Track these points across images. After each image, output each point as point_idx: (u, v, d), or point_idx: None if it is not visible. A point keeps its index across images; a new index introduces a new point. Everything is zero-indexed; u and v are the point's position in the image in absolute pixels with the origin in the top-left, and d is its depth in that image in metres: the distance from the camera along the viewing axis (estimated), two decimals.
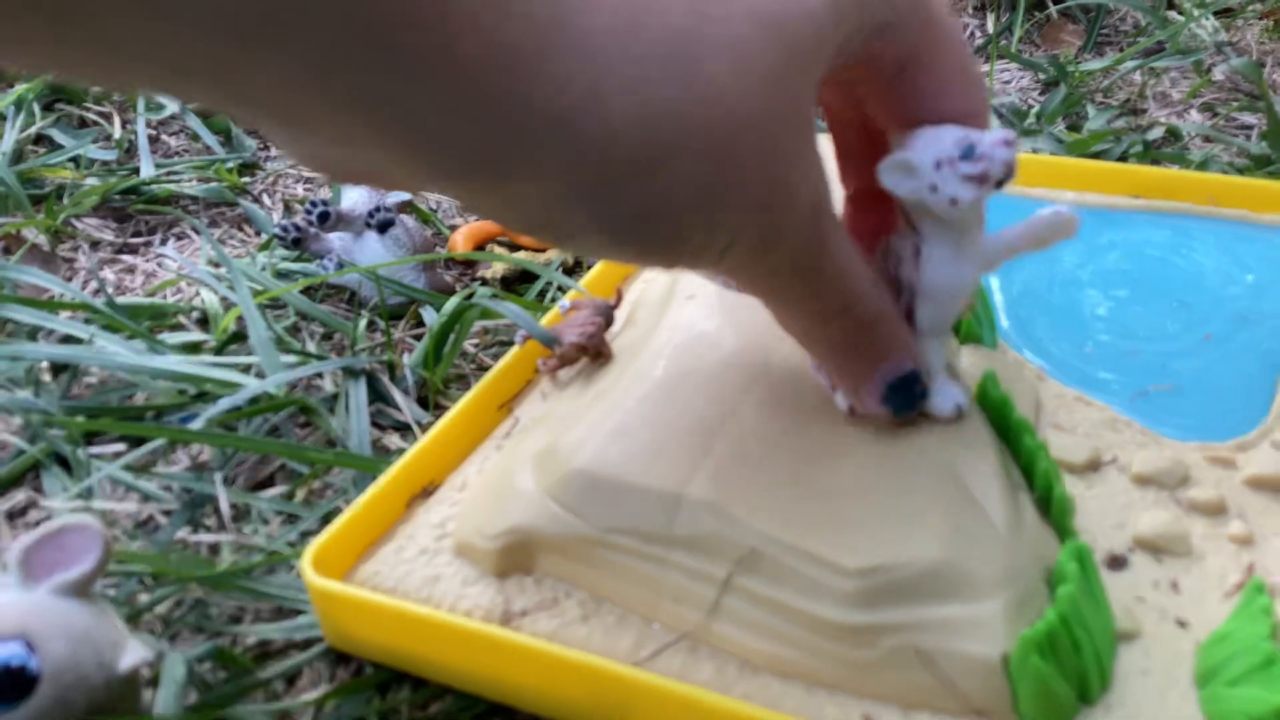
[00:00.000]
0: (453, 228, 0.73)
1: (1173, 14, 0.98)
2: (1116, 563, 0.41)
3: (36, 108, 0.87)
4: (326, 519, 0.48)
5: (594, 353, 0.51)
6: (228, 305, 0.65)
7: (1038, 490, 0.41)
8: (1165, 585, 0.40)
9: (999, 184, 0.36)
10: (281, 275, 0.67)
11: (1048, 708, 0.35)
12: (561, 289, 0.64)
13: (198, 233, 0.73)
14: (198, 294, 0.66)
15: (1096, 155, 0.75)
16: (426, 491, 0.47)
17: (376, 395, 0.56)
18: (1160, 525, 0.42)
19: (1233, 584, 0.40)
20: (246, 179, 0.81)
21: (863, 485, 0.39)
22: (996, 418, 0.44)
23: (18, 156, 0.82)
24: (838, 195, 0.57)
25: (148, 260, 0.72)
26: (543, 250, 0.69)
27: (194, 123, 0.84)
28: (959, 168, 0.36)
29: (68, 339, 0.60)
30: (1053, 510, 0.41)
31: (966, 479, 0.40)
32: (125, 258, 0.72)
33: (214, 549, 0.48)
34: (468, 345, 0.60)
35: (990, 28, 0.99)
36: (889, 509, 0.38)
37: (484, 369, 0.58)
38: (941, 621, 0.35)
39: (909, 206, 0.38)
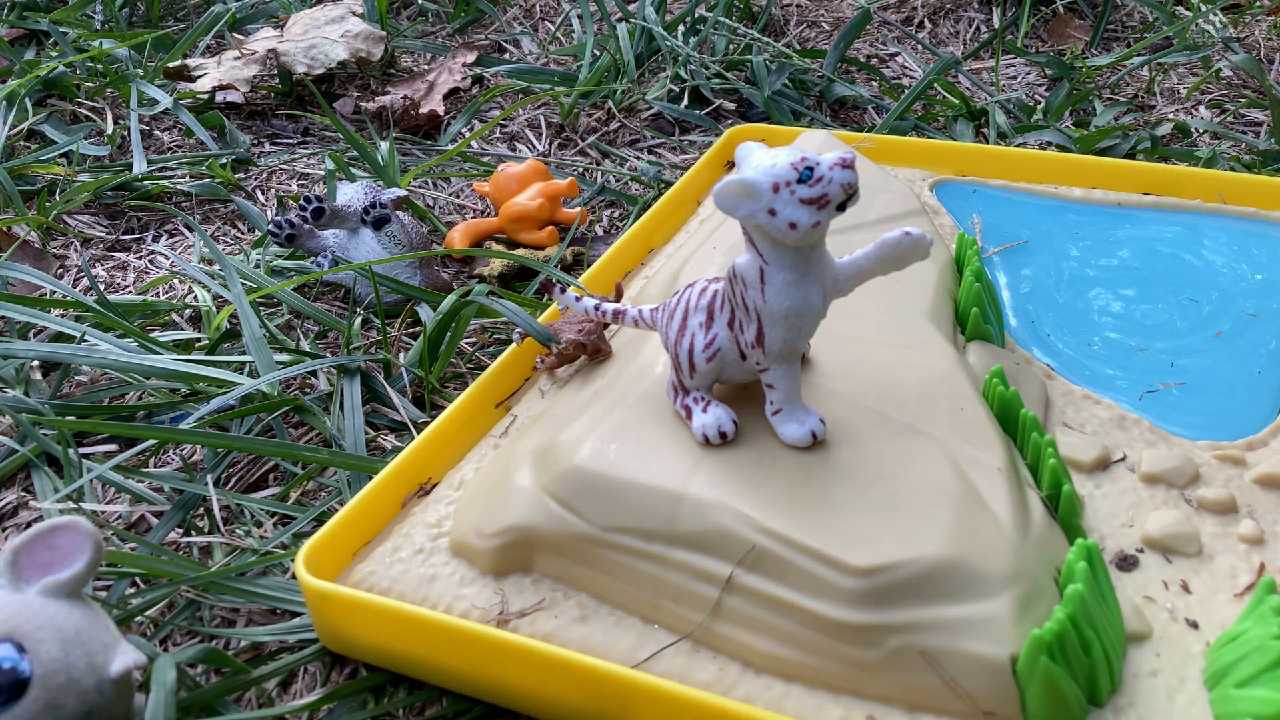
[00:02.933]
0: (449, 224, 0.73)
1: (1180, 9, 0.98)
2: (1126, 562, 0.41)
3: (28, 103, 0.86)
4: (320, 520, 0.47)
5: (593, 350, 0.51)
6: (221, 303, 0.64)
7: (1046, 488, 0.41)
8: (1175, 585, 0.40)
9: (840, 207, 0.35)
10: (275, 272, 0.66)
11: (1056, 709, 0.34)
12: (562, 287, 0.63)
13: (190, 229, 0.73)
14: (190, 291, 0.66)
15: (1104, 151, 0.75)
16: (423, 490, 0.46)
17: (372, 394, 0.55)
18: (1170, 524, 0.41)
19: (1243, 584, 0.40)
20: (240, 175, 0.80)
21: (867, 482, 0.39)
22: (1004, 415, 0.43)
23: (9, 152, 0.81)
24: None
25: (140, 257, 0.71)
26: (541, 248, 0.68)
27: (187, 118, 0.83)
28: (797, 191, 0.35)
29: (59, 337, 0.59)
30: (1061, 509, 0.40)
31: (973, 476, 0.39)
32: (117, 255, 0.71)
33: (206, 550, 0.47)
34: (465, 344, 0.59)
35: (996, 22, 0.98)
36: (894, 506, 0.38)
37: (481, 368, 0.57)
38: (948, 621, 0.35)
39: (750, 230, 0.37)
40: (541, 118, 0.86)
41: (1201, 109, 0.84)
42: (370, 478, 0.45)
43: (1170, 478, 0.43)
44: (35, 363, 0.58)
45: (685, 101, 0.86)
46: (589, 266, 0.61)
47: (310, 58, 0.90)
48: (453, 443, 0.48)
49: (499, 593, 0.40)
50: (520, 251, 0.68)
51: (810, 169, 0.35)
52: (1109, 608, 0.37)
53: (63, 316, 0.61)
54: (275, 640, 0.43)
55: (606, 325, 0.53)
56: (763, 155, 0.37)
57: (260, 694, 0.41)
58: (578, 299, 0.49)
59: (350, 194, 0.65)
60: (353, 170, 0.77)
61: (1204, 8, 0.93)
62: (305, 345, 0.60)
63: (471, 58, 0.94)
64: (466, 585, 0.41)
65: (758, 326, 0.39)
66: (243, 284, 0.61)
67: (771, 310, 0.38)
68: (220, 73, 0.90)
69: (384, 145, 0.77)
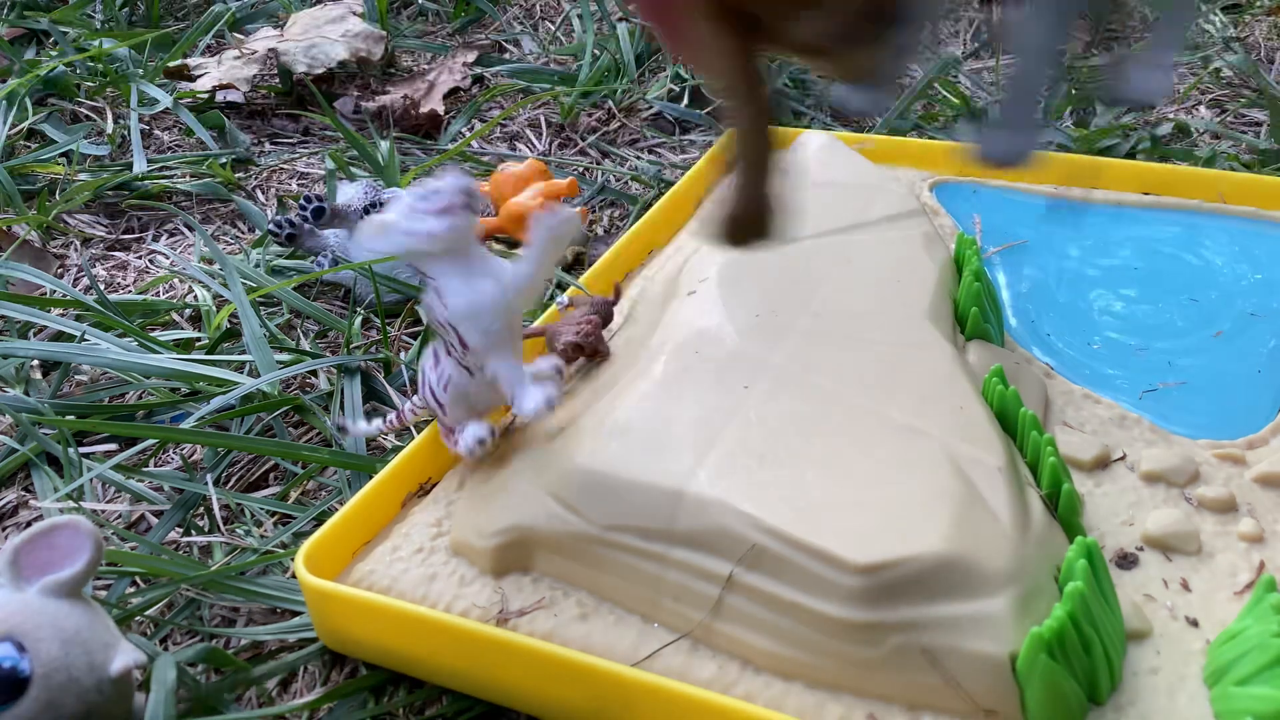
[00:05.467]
0: None
1: None
2: (1126, 560, 0.41)
3: (29, 103, 0.86)
4: (320, 519, 0.47)
5: (590, 352, 0.51)
6: (221, 302, 0.64)
7: (1045, 487, 0.41)
8: (1175, 583, 0.40)
9: (468, 207, 0.40)
10: (275, 272, 0.66)
11: (1057, 708, 0.34)
12: (560, 286, 0.63)
13: (191, 229, 0.73)
14: (190, 291, 0.66)
15: (1104, 151, 0.75)
16: (423, 490, 0.46)
17: (372, 394, 0.55)
18: (1170, 523, 0.41)
19: (1243, 582, 0.40)
20: (240, 174, 0.80)
21: (867, 481, 0.39)
22: (1004, 414, 0.43)
23: (9, 152, 0.81)
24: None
25: (140, 257, 0.71)
26: None
27: (187, 118, 0.83)
28: (421, 208, 0.40)
29: (59, 336, 0.59)
30: (1061, 507, 0.40)
31: (973, 475, 0.39)
32: (117, 254, 0.71)
33: (206, 550, 0.47)
34: None
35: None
36: (894, 505, 0.38)
37: None
38: (948, 619, 0.35)
39: (412, 260, 0.42)
40: (542, 117, 0.86)
41: (1202, 109, 0.84)
42: (370, 477, 0.45)
43: (1170, 476, 0.44)
44: (35, 362, 0.58)
45: (685, 101, 0.86)
46: (589, 266, 0.61)
47: (310, 57, 0.90)
48: None
49: (499, 592, 0.40)
50: (520, 250, 0.68)
51: (429, 192, 0.41)
52: (1109, 606, 0.37)
53: (63, 315, 0.61)
54: (275, 639, 0.43)
55: (605, 325, 0.53)
56: (385, 208, 0.42)
57: (260, 693, 0.41)
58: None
59: (350, 193, 0.65)
60: (353, 170, 0.77)
61: (1204, 7, 0.93)
62: (305, 345, 0.60)
63: (472, 57, 0.94)
64: (466, 584, 0.41)
65: (456, 334, 0.42)
66: (243, 283, 0.61)
67: (455, 312, 0.42)
68: (220, 72, 0.90)
69: (384, 145, 0.77)
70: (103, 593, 0.45)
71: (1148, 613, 0.38)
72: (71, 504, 0.48)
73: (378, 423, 0.48)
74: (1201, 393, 0.48)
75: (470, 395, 0.44)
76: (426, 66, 0.97)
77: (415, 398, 0.47)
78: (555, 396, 0.43)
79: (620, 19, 0.97)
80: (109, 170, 0.80)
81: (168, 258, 0.70)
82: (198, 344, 0.59)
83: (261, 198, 0.78)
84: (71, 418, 0.53)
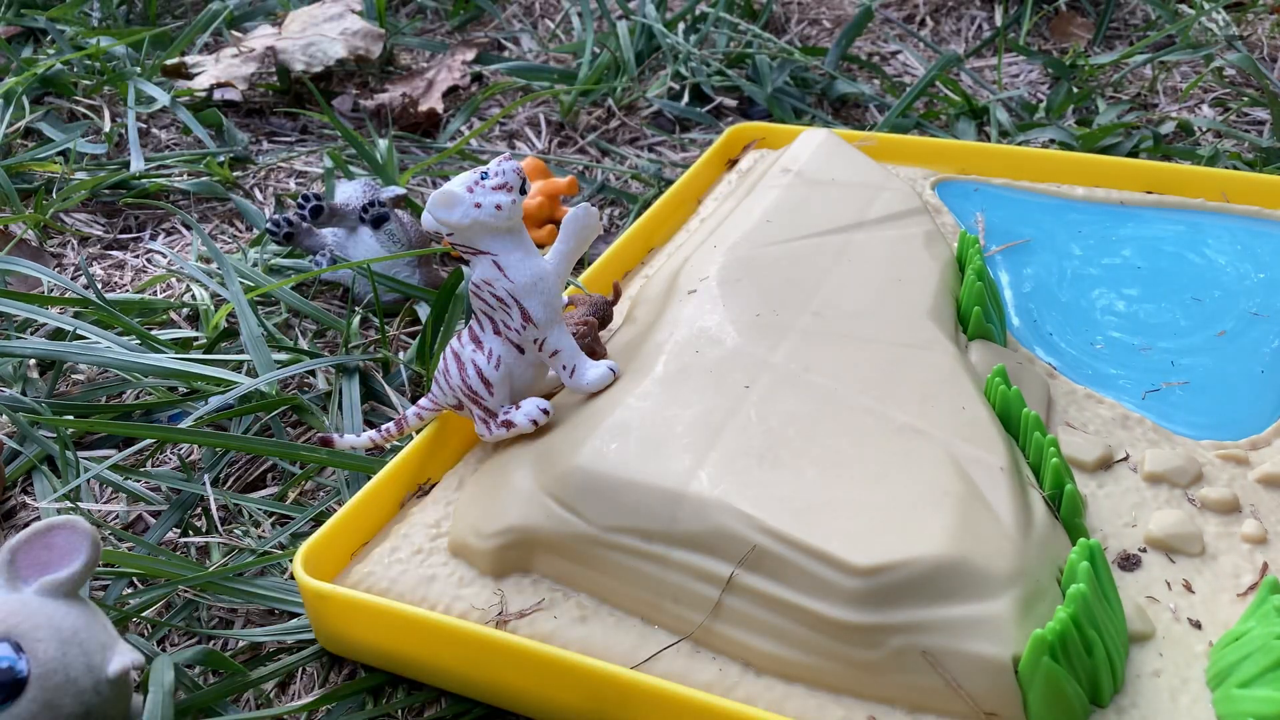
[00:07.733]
0: None
1: (1183, 7, 0.98)
2: (1128, 562, 0.40)
3: (26, 101, 0.86)
4: (319, 520, 0.47)
5: (588, 353, 0.50)
6: (219, 302, 0.64)
7: (1048, 488, 0.40)
8: (1178, 585, 0.39)
9: (522, 190, 0.44)
10: (273, 271, 0.66)
11: (1059, 710, 0.34)
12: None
13: (188, 228, 0.72)
14: (188, 290, 0.65)
15: (1107, 149, 0.75)
16: (422, 490, 0.46)
17: (370, 393, 0.55)
18: (1172, 524, 0.41)
19: (1246, 584, 0.39)
20: (238, 173, 0.80)
21: (868, 482, 0.39)
22: (1006, 414, 0.43)
23: (6, 150, 0.81)
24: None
25: (137, 256, 0.71)
26: (541, 246, 0.68)
27: (185, 116, 0.83)
28: (486, 185, 0.43)
29: (57, 334, 0.59)
30: (1063, 508, 0.40)
31: (975, 476, 0.39)
32: (114, 253, 0.71)
33: (204, 550, 0.47)
34: None
35: (998, 20, 0.98)
36: (895, 506, 0.37)
37: None
38: (950, 621, 0.35)
39: (467, 237, 0.43)
40: (541, 115, 0.86)
41: (1204, 107, 0.83)
42: (369, 478, 0.45)
43: (1173, 477, 0.43)
44: (33, 360, 0.58)
45: (686, 99, 0.86)
46: (589, 265, 0.60)
47: (309, 55, 0.90)
48: (451, 442, 0.48)
49: (498, 593, 0.40)
50: None
51: (485, 173, 0.43)
52: (1112, 608, 0.36)
53: (61, 314, 0.60)
54: (273, 641, 0.42)
55: (604, 325, 0.53)
56: (447, 183, 0.44)
57: (258, 695, 0.40)
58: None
59: (349, 192, 0.65)
60: (351, 168, 0.77)
61: (1206, 6, 0.93)
62: (304, 344, 0.59)
63: (471, 55, 0.94)
64: (465, 586, 0.41)
65: (519, 308, 0.43)
66: (241, 282, 0.61)
67: (521, 284, 0.43)
68: (218, 70, 0.90)
69: (382, 143, 0.77)
70: (100, 593, 0.44)
71: (1150, 614, 0.38)
72: (69, 504, 0.48)
73: (369, 434, 0.47)
74: (1204, 393, 0.48)
75: (514, 375, 0.45)
76: (425, 64, 0.97)
77: (428, 397, 0.46)
78: (618, 368, 0.45)
79: (620, 16, 0.97)
80: (106, 169, 0.79)
81: (165, 257, 0.70)
82: (195, 343, 0.59)
83: (259, 196, 0.78)
84: (69, 418, 0.53)
